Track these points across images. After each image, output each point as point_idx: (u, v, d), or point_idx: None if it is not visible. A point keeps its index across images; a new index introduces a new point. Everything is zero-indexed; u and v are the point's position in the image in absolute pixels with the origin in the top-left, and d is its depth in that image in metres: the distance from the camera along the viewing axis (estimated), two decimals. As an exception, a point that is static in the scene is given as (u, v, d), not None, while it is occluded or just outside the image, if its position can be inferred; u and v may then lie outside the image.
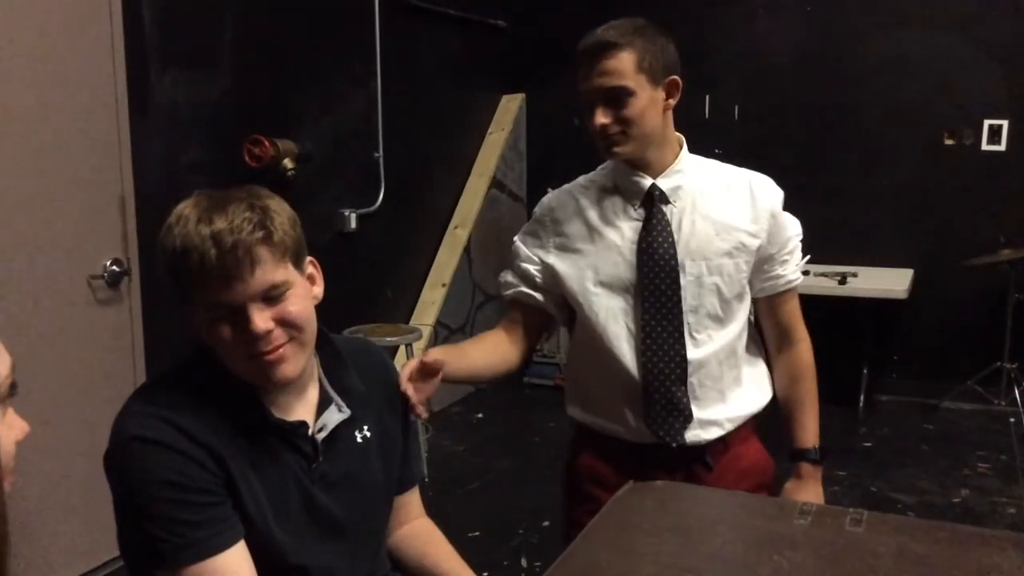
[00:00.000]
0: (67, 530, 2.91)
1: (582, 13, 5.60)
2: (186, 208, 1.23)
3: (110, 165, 3.03)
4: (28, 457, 2.72)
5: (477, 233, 5.30)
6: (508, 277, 1.97)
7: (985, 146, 4.92)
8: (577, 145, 5.47)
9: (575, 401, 1.95)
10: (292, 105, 4.01)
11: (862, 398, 4.96)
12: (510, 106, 5.70)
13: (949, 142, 4.98)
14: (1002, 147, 4.88)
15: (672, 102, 1.78)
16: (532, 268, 1.92)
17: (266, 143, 3.62)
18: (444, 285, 5.04)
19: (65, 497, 2.88)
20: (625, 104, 1.71)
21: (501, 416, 5.05)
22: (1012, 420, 4.71)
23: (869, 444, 4.53)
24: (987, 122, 4.89)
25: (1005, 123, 4.85)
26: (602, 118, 1.72)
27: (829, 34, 5.13)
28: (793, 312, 1.92)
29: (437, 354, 1.58)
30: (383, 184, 4.56)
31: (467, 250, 5.22)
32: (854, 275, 4.78)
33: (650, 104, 1.73)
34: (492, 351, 1.91)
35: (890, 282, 4.75)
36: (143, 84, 3.19)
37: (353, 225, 4.37)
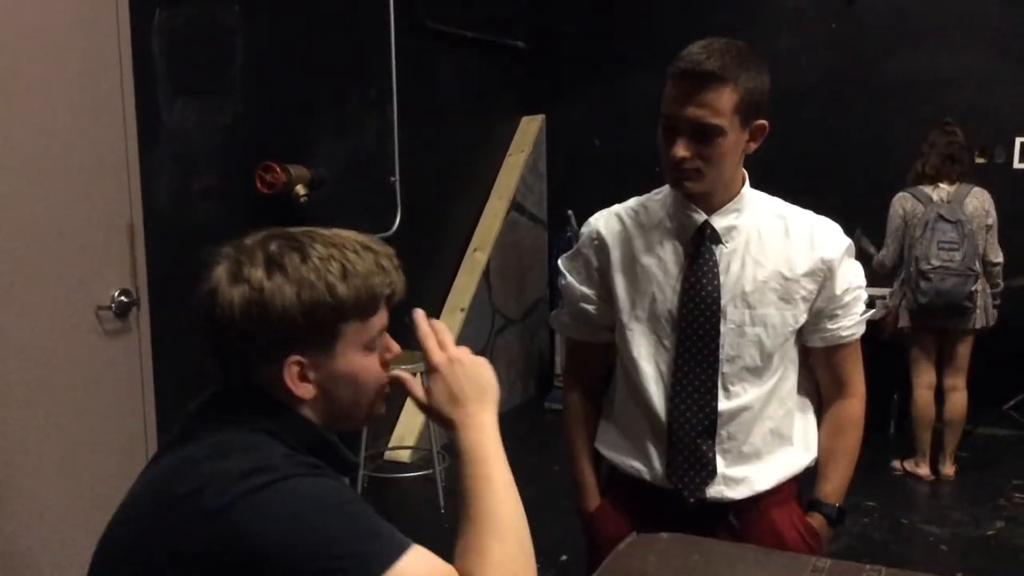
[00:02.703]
0: (70, 563, 2.85)
1: (602, 34, 5.61)
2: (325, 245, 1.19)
3: (119, 193, 2.98)
4: (32, 489, 2.68)
5: (496, 256, 5.22)
6: (565, 319, 1.89)
7: (1017, 164, 4.80)
8: (598, 166, 5.50)
9: (603, 434, 1.88)
10: (305, 130, 3.96)
11: (892, 424, 4.82)
12: (530, 127, 5.64)
13: (980, 160, 4.85)
14: (1035, 165, 4.76)
15: (753, 146, 1.67)
16: (588, 307, 1.83)
17: (278, 169, 3.57)
18: (463, 310, 4.97)
19: (69, 529, 2.82)
20: (712, 143, 1.59)
21: (520, 443, 4.95)
22: (1050, 447, 4.57)
23: (900, 472, 4.39)
24: (1019, 140, 4.78)
25: (1038, 140, 4.74)
26: (683, 151, 1.60)
27: (854, 51, 5.03)
28: (846, 365, 1.81)
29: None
30: (399, 208, 4.50)
31: (486, 274, 5.14)
32: (882, 297, 4.65)
33: (735, 146, 1.62)
34: (588, 425, 1.94)
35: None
36: (152, 110, 3.15)
37: (369, 250, 4.31)
